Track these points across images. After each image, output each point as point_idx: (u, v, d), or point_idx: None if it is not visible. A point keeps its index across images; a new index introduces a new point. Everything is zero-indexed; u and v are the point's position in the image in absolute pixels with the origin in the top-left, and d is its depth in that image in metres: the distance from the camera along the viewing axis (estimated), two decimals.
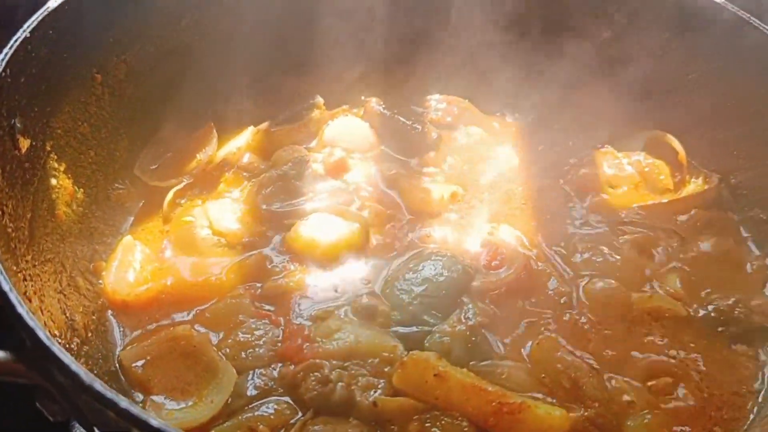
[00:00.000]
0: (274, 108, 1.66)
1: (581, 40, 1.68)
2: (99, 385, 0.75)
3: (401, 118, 1.62)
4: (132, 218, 1.47)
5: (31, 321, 0.81)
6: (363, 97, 1.69)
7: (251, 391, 1.16)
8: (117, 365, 1.20)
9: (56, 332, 1.11)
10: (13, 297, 0.83)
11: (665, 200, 1.50)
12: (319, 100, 1.66)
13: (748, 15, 1.44)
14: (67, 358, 0.77)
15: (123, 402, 0.74)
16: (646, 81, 1.64)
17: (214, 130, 1.59)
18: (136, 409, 0.74)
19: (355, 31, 1.69)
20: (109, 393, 0.74)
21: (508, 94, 1.71)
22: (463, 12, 1.70)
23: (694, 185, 1.54)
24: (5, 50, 1.16)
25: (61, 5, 1.26)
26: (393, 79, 1.74)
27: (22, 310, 0.82)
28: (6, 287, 0.84)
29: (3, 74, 1.12)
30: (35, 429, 0.98)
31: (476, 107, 1.71)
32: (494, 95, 1.72)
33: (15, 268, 1.04)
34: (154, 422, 0.73)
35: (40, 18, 1.23)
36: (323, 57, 1.69)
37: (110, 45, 1.43)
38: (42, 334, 0.79)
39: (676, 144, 1.57)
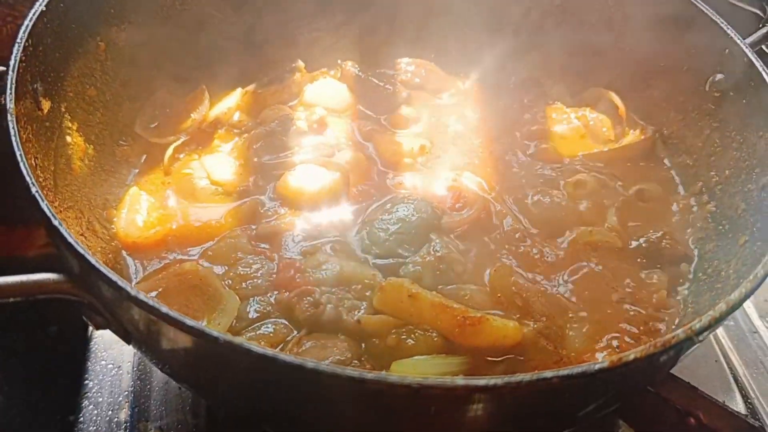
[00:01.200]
0: (259, 71, 1.82)
1: (534, 4, 1.89)
2: (143, 296, 0.94)
3: (374, 80, 1.81)
4: (136, 171, 1.63)
5: (80, 248, 0.99)
6: (339, 61, 1.86)
7: (252, 315, 1.34)
8: None
9: None
10: (63, 230, 1.01)
11: (606, 149, 1.71)
12: (300, 63, 1.83)
13: None
14: (114, 275, 0.96)
15: (163, 307, 0.93)
16: (592, 44, 1.84)
17: (206, 92, 1.75)
18: (174, 313, 0.93)
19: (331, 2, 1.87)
20: (152, 300, 0.93)
21: (470, 57, 1.90)
22: None
23: (632, 136, 1.74)
24: (26, 22, 1.31)
25: None
26: (366, 44, 1.91)
27: (71, 239, 1.00)
28: (56, 222, 1.02)
29: (27, 44, 1.28)
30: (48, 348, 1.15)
31: (441, 69, 1.89)
32: (457, 58, 1.91)
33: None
34: (189, 321, 0.92)
35: None
36: (302, 25, 1.87)
37: (111, 16, 1.58)
38: (91, 259, 0.98)
39: (617, 100, 1.78)
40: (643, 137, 1.73)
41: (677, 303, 1.43)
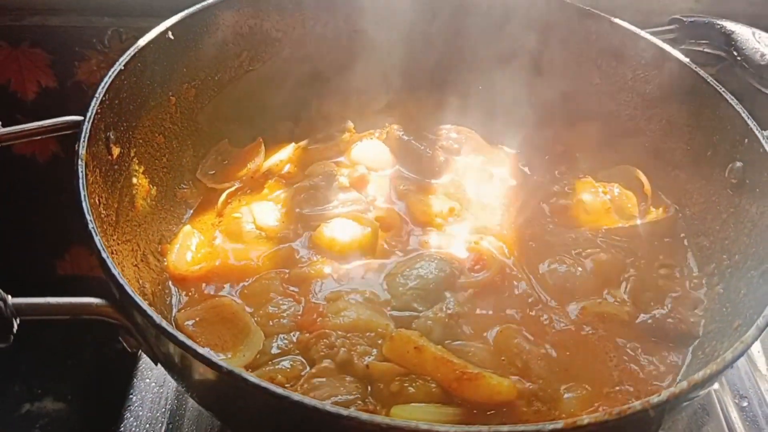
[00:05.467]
0: (312, 129, 2.00)
1: (575, 85, 2.00)
2: (165, 324, 1.10)
3: (416, 143, 1.95)
4: (191, 211, 1.83)
5: (121, 279, 1.16)
6: (387, 124, 2.01)
7: (274, 350, 1.48)
8: (173, 323, 1.55)
9: None
10: (109, 263, 1.19)
11: (628, 225, 1.79)
12: (350, 124, 2.00)
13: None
14: (144, 304, 1.12)
15: (180, 335, 1.09)
16: (625, 125, 1.95)
17: (263, 145, 1.94)
18: (189, 342, 1.08)
19: (384, 70, 2.04)
20: (171, 329, 1.09)
21: (510, 128, 2.02)
22: (475, 60, 2.05)
23: (655, 213, 1.82)
24: (104, 80, 1.51)
25: (147, 44, 1.63)
26: (413, 109, 2.06)
27: (115, 271, 1.18)
28: (104, 255, 1.20)
29: (104, 98, 1.49)
30: (111, 356, 1.33)
31: (481, 137, 2.02)
32: (498, 128, 2.03)
33: (106, 244, 1.38)
34: (200, 350, 1.07)
35: (132, 54, 1.59)
36: (356, 89, 2.04)
37: (183, 74, 1.79)
38: (128, 289, 1.15)
39: (643, 178, 1.86)
40: (665, 215, 1.80)
41: (674, 379, 1.49)
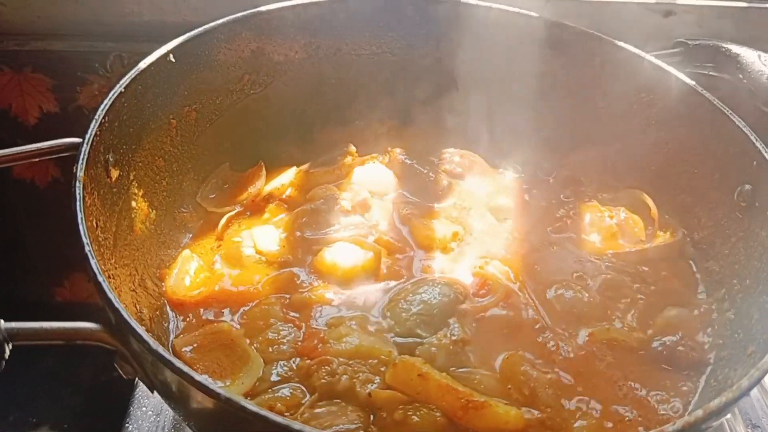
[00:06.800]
0: (314, 153, 1.99)
1: (580, 109, 1.99)
2: (162, 349, 1.06)
3: (419, 167, 1.93)
4: (191, 235, 1.80)
5: (117, 303, 1.13)
6: (389, 148, 1.99)
7: (274, 378, 1.45)
8: (171, 349, 1.51)
9: None
10: (105, 286, 1.16)
11: (635, 249, 1.76)
12: (352, 148, 1.97)
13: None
14: (140, 329, 1.09)
15: (177, 361, 1.05)
16: (631, 148, 1.92)
17: (264, 169, 1.92)
18: (186, 368, 1.05)
19: (386, 94, 2.03)
20: (167, 354, 1.06)
21: (514, 152, 2.00)
22: (479, 84, 2.03)
23: (662, 238, 1.79)
24: (105, 102, 1.49)
25: (148, 66, 1.62)
26: (416, 133, 2.04)
27: (111, 295, 1.14)
28: (100, 279, 1.17)
29: (103, 120, 1.47)
30: (108, 383, 1.30)
31: (485, 161, 2.00)
32: (502, 152, 2.01)
33: (103, 267, 1.35)
34: (198, 377, 1.04)
35: (132, 77, 1.58)
36: (359, 112, 2.03)
37: (184, 96, 1.77)
38: (124, 313, 1.11)
39: (650, 202, 1.84)
40: (672, 240, 1.77)
41: (685, 408, 1.45)
